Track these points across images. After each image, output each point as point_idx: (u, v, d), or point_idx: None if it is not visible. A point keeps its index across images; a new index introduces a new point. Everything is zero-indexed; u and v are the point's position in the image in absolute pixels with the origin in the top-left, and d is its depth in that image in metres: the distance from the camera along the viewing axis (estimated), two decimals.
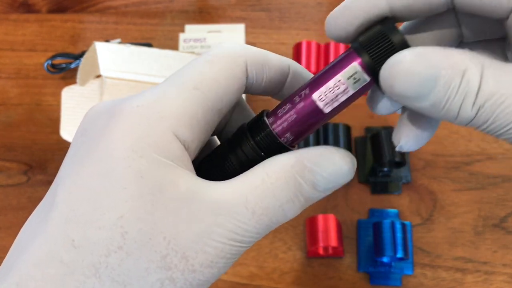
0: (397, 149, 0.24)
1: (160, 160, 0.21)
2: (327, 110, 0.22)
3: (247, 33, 0.61)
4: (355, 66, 0.21)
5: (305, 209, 0.57)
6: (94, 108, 0.23)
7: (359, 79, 0.21)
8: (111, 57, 0.52)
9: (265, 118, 0.23)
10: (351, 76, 0.21)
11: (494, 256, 0.50)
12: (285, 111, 0.23)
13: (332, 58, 0.57)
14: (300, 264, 0.51)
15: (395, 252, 0.48)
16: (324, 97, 0.22)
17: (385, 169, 0.52)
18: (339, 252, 0.50)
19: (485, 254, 0.50)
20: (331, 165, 0.22)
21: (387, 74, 0.20)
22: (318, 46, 0.57)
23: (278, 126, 0.23)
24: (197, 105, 0.22)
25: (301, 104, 0.22)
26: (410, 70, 0.19)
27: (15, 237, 0.23)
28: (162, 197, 0.20)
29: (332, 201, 0.53)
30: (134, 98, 0.22)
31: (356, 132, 0.56)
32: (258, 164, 0.22)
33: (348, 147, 0.52)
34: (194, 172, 0.22)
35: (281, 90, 0.26)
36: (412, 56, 0.19)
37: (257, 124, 0.24)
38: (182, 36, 0.59)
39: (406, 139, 0.24)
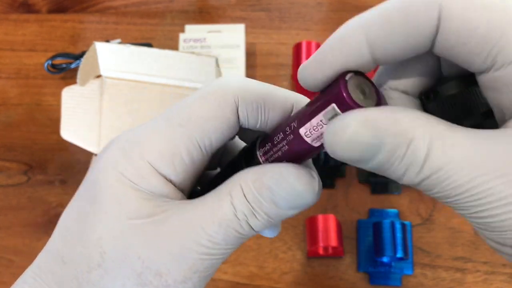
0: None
1: (138, 190, 0.23)
2: (316, 144, 0.21)
3: (247, 33, 0.61)
4: (333, 108, 0.20)
5: (305, 209, 0.56)
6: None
7: None
8: (111, 57, 0.52)
9: (257, 152, 0.23)
10: (332, 117, 0.20)
11: (494, 256, 0.50)
12: (276, 141, 0.23)
13: None
14: (300, 264, 0.51)
15: (395, 252, 0.48)
16: (310, 134, 0.21)
17: None
18: (339, 252, 0.50)
19: (485, 254, 0.50)
20: (287, 186, 0.22)
21: (329, 141, 0.19)
22: (318, 46, 0.57)
23: (270, 157, 0.23)
24: (179, 142, 0.23)
25: (291, 137, 0.22)
26: (353, 139, 0.19)
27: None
28: (137, 221, 0.22)
29: (332, 201, 0.53)
30: (128, 133, 0.24)
31: None
32: (230, 178, 0.23)
33: None
34: (182, 199, 0.23)
35: None
36: (356, 123, 0.19)
37: (251, 154, 0.24)
38: (182, 36, 0.59)
39: None
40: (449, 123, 0.19)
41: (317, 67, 0.20)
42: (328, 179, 0.54)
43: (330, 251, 0.50)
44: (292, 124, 0.22)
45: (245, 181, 0.22)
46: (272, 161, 0.23)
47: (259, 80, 0.24)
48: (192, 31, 0.61)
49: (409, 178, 0.19)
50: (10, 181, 0.57)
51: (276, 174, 0.22)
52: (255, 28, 0.62)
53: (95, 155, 0.25)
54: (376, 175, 0.52)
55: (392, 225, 0.49)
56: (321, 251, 0.50)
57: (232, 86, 0.23)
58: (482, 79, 0.19)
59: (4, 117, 0.60)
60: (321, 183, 0.23)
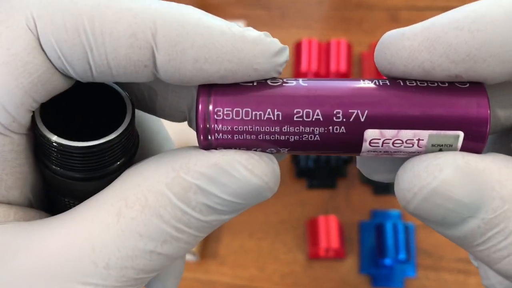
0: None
1: None
2: (364, 155, 0.14)
3: None
4: (457, 136, 0.13)
5: (306, 210, 0.55)
6: None
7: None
8: None
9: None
10: (440, 145, 0.14)
11: None
12: (280, 116, 0.14)
13: (333, 57, 0.56)
14: (301, 266, 0.50)
15: (397, 254, 0.47)
16: (379, 144, 0.14)
17: None
18: (340, 254, 0.50)
19: None
20: (233, 181, 0.14)
21: (406, 185, 0.13)
22: (319, 44, 0.57)
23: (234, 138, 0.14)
24: None
25: (338, 129, 0.14)
26: (441, 190, 0.13)
27: None
28: None
29: (333, 201, 0.53)
30: None
31: None
32: (117, 179, 0.14)
33: None
34: (17, 218, 0.15)
35: (154, 74, 0.14)
36: (453, 169, 0.13)
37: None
38: None
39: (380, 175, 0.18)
40: None
41: (425, 45, 0.13)
42: (329, 179, 0.53)
43: (332, 252, 0.49)
44: (356, 112, 0.14)
45: (155, 184, 0.14)
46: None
47: None
48: None
49: (511, 267, 0.13)
50: None
51: (208, 167, 0.14)
52: (256, 26, 0.61)
53: None
54: None
55: (395, 226, 0.48)
56: (322, 253, 0.49)
57: (25, 2, 0.13)
58: None
59: None
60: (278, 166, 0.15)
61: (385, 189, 0.52)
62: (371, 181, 0.53)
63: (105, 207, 0.14)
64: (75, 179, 0.15)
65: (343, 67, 0.56)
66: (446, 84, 0.14)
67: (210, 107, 0.14)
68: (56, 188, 0.16)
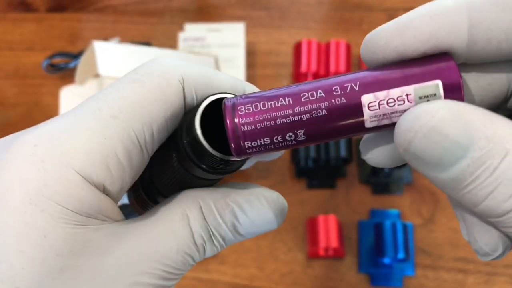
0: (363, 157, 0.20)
1: (68, 213, 0.17)
2: (370, 124, 0.17)
3: (247, 32, 0.60)
4: (437, 85, 0.16)
5: (306, 210, 0.55)
6: None
7: None
8: (110, 56, 0.52)
9: (234, 112, 0.18)
10: (426, 96, 0.16)
11: None
12: (300, 100, 0.17)
13: (333, 58, 0.56)
14: (301, 265, 0.50)
15: (396, 253, 0.47)
16: (376, 106, 0.16)
17: (386, 169, 0.52)
18: (339, 253, 0.50)
19: None
20: (256, 210, 0.20)
21: (408, 126, 0.16)
22: (319, 45, 0.57)
23: (265, 120, 0.17)
24: (115, 138, 0.18)
25: (340, 100, 0.17)
26: (438, 128, 0.15)
27: None
28: (72, 260, 0.17)
29: (333, 201, 0.53)
30: (33, 132, 0.18)
31: None
32: (183, 192, 0.20)
33: (349, 148, 0.52)
34: (118, 216, 0.19)
35: None
36: (447, 111, 0.15)
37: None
38: (181, 35, 0.58)
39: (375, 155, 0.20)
40: None
41: (396, 33, 0.17)
42: (329, 179, 0.53)
43: (331, 252, 0.50)
44: (350, 84, 0.17)
45: (205, 199, 0.19)
46: (263, 130, 0.17)
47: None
48: (192, 30, 0.60)
49: (494, 203, 0.15)
50: None
51: (243, 197, 0.19)
52: (255, 27, 0.62)
53: None
54: (378, 174, 0.52)
55: (394, 226, 0.48)
56: (321, 252, 0.50)
57: (173, 64, 0.20)
58: None
59: (2, 117, 0.60)
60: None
61: (384, 188, 0.53)
62: (370, 181, 0.53)
63: (168, 217, 0.19)
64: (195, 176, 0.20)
65: (342, 67, 0.56)
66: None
67: (236, 112, 0.18)
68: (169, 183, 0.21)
